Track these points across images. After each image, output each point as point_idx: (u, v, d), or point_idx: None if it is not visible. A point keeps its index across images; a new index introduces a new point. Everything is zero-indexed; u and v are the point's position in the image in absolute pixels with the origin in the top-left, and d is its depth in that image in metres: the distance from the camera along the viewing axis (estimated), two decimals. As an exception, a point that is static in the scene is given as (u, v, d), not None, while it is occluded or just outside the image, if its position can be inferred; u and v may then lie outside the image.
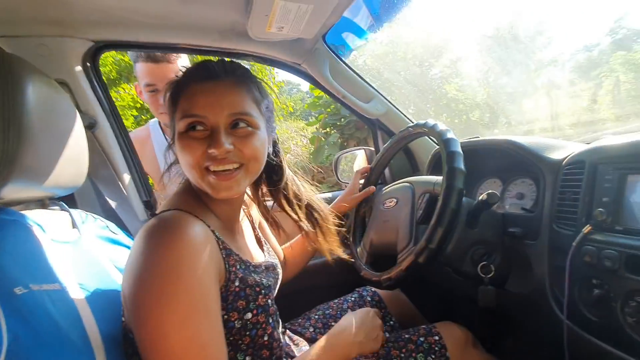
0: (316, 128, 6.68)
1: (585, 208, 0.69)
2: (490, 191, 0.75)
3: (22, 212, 0.62)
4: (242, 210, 0.81)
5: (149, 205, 0.66)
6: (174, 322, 0.49)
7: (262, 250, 0.85)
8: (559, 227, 0.74)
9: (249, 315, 0.64)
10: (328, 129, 6.44)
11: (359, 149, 1.51)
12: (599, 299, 0.64)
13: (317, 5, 0.85)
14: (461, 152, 0.76)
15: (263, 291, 0.68)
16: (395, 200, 0.93)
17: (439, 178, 0.82)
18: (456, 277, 0.94)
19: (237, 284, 0.63)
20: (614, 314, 0.61)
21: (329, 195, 1.38)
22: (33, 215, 0.63)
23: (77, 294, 0.59)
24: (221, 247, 0.62)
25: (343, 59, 1.21)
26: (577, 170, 0.72)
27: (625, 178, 0.64)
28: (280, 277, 0.84)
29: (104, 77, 1.06)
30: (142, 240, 0.55)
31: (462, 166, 0.74)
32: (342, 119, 5.99)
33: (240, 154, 0.63)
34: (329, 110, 6.23)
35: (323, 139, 6.03)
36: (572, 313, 0.68)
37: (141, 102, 6.23)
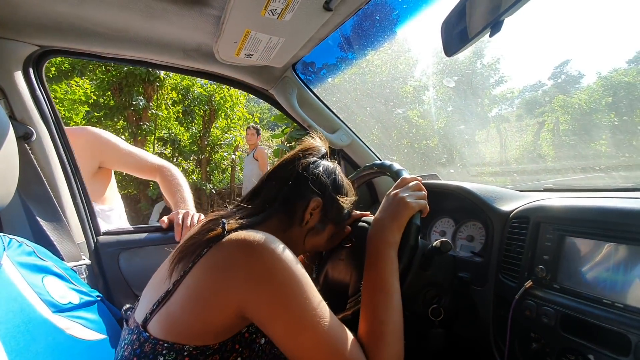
0: (281, 141, 6.66)
1: (527, 263, 0.73)
2: (444, 239, 0.77)
3: None
4: None
5: (223, 224, 0.63)
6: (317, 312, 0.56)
7: None
8: (504, 277, 0.78)
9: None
10: (293, 143, 6.43)
11: (322, 175, 1.51)
12: (536, 353, 0.67)
13: (288, 39, 0.84)
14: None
15: None
16: (352, 240, 0.92)
17: None
18: (406, 315, 0.95)
19: None
20: (549, 368, 0.64)
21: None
22: (-62, 246, 0.54)
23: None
24: None
25: (312, 88, 1.20)
26: (522, 225, 0.77)
27: (564, 239, 0.68)
28: None
29: (53, 69, 0.97)
30: (249, 252, 0.56)
31: (418, 221, 0.75)
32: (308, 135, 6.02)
33: None
34: (294, 124, 6.25)
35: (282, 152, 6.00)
36: (512, 363, 0.71)
37: (94, 98, 5.83)
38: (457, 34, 0.65)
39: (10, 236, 0.74)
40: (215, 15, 0.80)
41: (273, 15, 0.74)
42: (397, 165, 0.89)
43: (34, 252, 0.77)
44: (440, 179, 1.28)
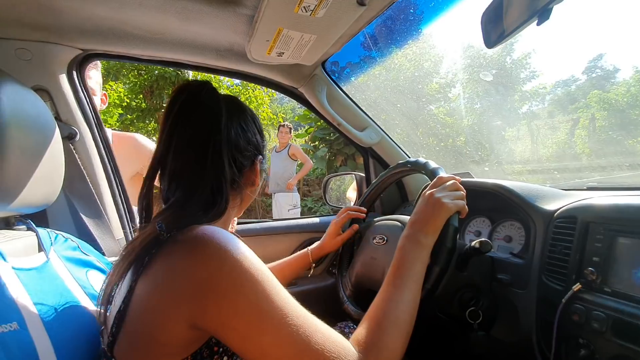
0: (305, 141, 6.69)
1: (575, 265, 0.68)
2: (483, 239, 0.74)
3: (-20, 236, 0.57)
4: None
5: (162, 227, 0.55)
6: (278, 309, 0.48)
7: None
8: (548, 280, 0.74)
9: None
10: (317, 143, 6.46)
11: (350, 173, 1.50)
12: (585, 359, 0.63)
13: (320, 36, 0.84)
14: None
15: None
16: (385, 238, 0.91)
17: None
18: (440, 317, 0.92)
19: None
20: (599, 376, 0.60)
21: (317, 220, 1.35)
22: (-7, 240, 0.57)
23: (38, 330, 0.54)
24: None
25: (341, 86, 1.20)
26: (568, 225, 0.72)
27: (616, 239, 0.64)
28: None
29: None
30: (192, 257, 0.49)
31: (455, 223, 0.72)
32: (332, 134, 6.02)
33: None
34: (319, 124, 6.26)
35: (311, 152, 6.04)
36: (558, 370, 0.68)
37: (127, 101, 6.12)
38: (499, 24, 0.62)
39: (56, 232, 0.77)
40: (249, 15, 0.80)
41: (306, 12, 0.74)
42: (432, 164, 0.86)
43: (78, 247, 0.81)
44: (474, 178, 1.23)
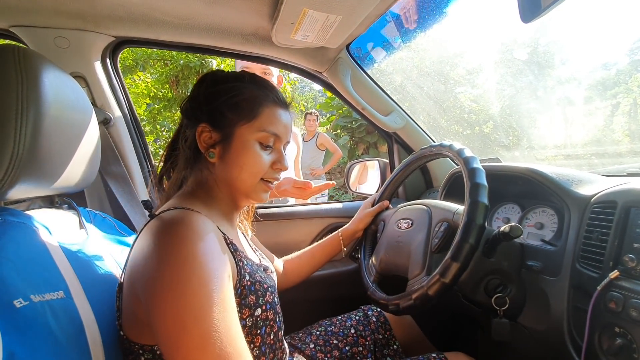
0: (327, 129, 6.67)
1: (613, 251, 0.65)
2: (513, 224, 0.71)
3: (29, 212, 0.61)
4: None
5: (147, 205, 0.65)
6: (192, 314, 0.46)
7: (255, 254, 0.83)
8: (582, 267, 0.71)
9: (259, 311, 0.63)
10: (339, 131, 6.42)
11: (373, 159, 1.48)
12: (621, 349, 0.61)
13: (345, 16, 0.82)
14: (486, 184, 0.73)
15: (270, 288, 0.68)
16: (411, 222, 0.90)
17: (460, 208, 0.79)
18: (466, 304, 0.91)
19: (247, 278, 0.62)
20: (636, 366, 0.58)
21: (340, 205, 1.36)
22: (39, 216, 0.61)
23: (81, 300, 0.58)
24: (228, 242, 0.62)
25: (365, 69, 1.18)
26: (607, 211, 0.69)
27: (660, 225, 0.60)
28: (276, 282, 0.82)
29: (119, 64, 1.05)
30: (150, 238, 0.53)
31: (486, 201, 0.71)
32: (354, 122, 5.96)
33: None
34: (340, 112, 6.22)
35: (333, 141, 6.00)
36: (590, 359, 0.65)
37: (155, 91, 6.30)
38: (537, -3, 0.59)
39: (95, 211, 0.82)
40: (274, -4, 0.80)
41: (332, -9, 0.72)
42: (458, 144, 0.84)
43: (115, 226, 0.85)
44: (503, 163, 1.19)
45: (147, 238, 0.53)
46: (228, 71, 0.73)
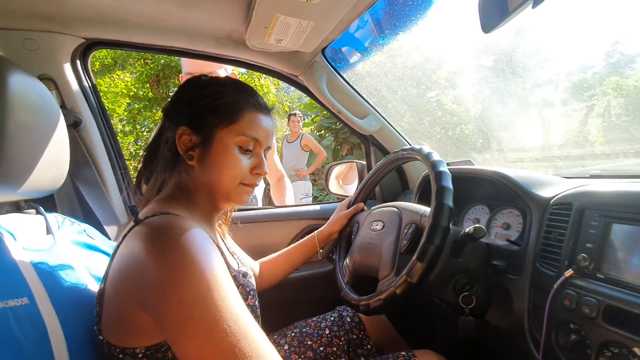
0: (311, 129, 6.67)
1: (569, 251, 0.69)
2: (477, 225, 0.74)
3: (-7, 218, 0.59)
4: None
5: (134, 211, 0.63)
6: (198, 301, 0.46)
7: (233, 257, 0.84)
8: (542, 266, 0.75)
9: None
10: (322, 132, 6.44)
11: (351, 161, 1.51)
12: (575, 345, 0.64)
13: (317, 22, 0.84)
14: (451, 187, 0.75)
15: (251, 292, 0.69)
16: (382, 224, 0.92)
17: (427, 210, 0.81)
18: (438, 303, 0.94)
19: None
20: (588, 361, 0.61)
21: (317, 207, 1.37)
22: (4, 222, 0.60)
23: (46, 307, 0.57)
24: (215, 244, 0.62)
25: (341, 73, 1.19)
26: (563, 212, 0.72)
27: (610, 226, 0.64)
28: (255, 285, 0.82)
29: (98, 63, 1.04)
30: (141, 244, 0.52)
31: (450, 203, 0.73)
32: (337, 123, 5.99)
33: None
34: (324, 112, 6.24)
35: (317, 141, 6.02)
36: (548, 354, 0.68)
37: (135, 90, 6.16)
38: (495, 7, 0.61)
39: (63, 216, 0.80)
40: (246, 1, 0.81)
41: (302, -3, 0.73)
42: (427, 148, 0.87)
43: (84, 230, 0.83)
44: (474, 166, 1.23)
45: (136, 244, 0.53)
46: (211, 76, 0.73)
